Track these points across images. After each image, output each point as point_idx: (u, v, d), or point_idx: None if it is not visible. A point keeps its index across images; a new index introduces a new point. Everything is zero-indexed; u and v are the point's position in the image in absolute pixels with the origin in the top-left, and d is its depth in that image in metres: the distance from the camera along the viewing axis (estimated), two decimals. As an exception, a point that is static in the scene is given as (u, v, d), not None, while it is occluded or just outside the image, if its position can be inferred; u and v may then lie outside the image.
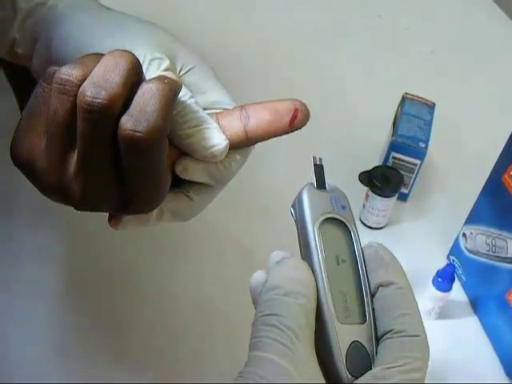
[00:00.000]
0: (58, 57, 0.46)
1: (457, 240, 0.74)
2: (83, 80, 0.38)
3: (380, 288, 0.37)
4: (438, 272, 0.67)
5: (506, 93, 1.03)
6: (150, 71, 0.42)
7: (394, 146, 0.79)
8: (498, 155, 0.65)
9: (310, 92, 0.44)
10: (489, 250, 0.67)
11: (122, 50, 0.40)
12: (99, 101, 0.36)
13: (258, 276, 0.39)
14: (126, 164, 0.39)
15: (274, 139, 0.44)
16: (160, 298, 0.70)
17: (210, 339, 0.66)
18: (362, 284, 0.37)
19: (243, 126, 0.44)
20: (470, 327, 0.70)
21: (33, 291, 0.69)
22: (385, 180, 0.75)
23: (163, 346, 0.65)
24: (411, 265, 0.73)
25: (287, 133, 0.44)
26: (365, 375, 0.34)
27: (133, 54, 0.39)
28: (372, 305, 0.37)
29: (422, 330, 0.35)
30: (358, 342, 0.35)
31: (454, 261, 0.74)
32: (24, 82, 0.51)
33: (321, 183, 0.40)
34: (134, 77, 0.39)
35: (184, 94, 0.43)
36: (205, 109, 0.44)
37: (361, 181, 0.77)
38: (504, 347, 0.66)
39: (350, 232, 0.38)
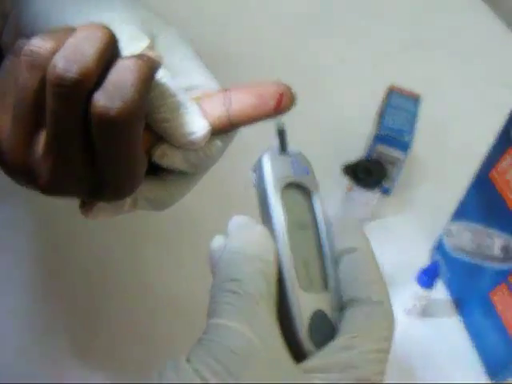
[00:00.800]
0: (28, 33, 0.43)
1: (441, 236, 0.72)
2: (55, 53, 0.35)
3: (343, 254, 0.36)
4: (421, 269, 0.65)
5: (493, 86, 1.02)
6: (128, 50, 0.40)
7: (378, 139, 0.76)
8: (485, 149, 0.63)
9: (294, 82, 0.42)
10: (474, 248, 0.65)
11: (98, 24, 0.37)
12: (71, 74, 0.34)
13: (217, 241, 0.38)
14: (99, 145, 0.36)
15: (256, 126, 0.42)
16: (137, 286, 0.67)
17: (192, 328, 0.64)
18: (325, 250, 0.36)
19: (226, 111, 0.41)
20: (452, 326, 0.69)
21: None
22: (368, 173, 0.73)
23: (143, 335, 0.63)
24: (394, 261, 0.72)
25: (272, 117, 0.41)
26: (329, 345, 0.32)
27: (110, 29, 0.37)
28: (335, 272, 0.35)
29: (387, 297, 0.34)
30: (321, 310, 0.34)
31: (437, 258, 0.73)
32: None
33: (283, 148, 0.39)
34: (110, 52, 0.36)
35: (163, 76, 0.40)
36: (186, 91, 0.42)
37: (344, 173, 0.75)
38: (486, 347, 0.65)
39: (312, 197, 0.37)
